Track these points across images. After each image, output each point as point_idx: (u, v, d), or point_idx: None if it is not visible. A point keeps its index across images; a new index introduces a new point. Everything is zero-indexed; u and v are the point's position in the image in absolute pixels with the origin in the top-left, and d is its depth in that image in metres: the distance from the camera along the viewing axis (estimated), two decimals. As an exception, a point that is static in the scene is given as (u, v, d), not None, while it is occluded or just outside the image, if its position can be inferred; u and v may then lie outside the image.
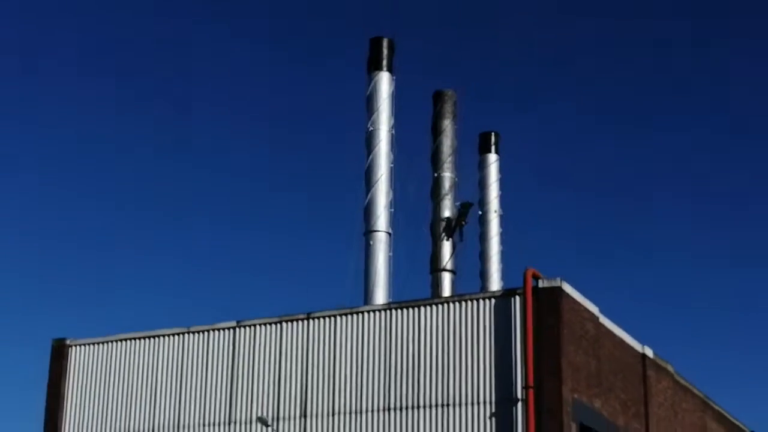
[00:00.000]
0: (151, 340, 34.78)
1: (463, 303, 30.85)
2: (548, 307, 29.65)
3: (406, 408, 30.61)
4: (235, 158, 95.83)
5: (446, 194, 46.94)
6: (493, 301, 30.52)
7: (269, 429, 31.94)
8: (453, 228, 46.45)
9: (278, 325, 32.99)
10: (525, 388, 29.27)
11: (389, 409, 30.79)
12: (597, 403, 30.99)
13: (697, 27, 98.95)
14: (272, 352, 32.82)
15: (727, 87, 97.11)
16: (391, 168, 41.95)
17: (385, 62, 43.03)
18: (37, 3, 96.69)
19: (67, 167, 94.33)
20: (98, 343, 35.54)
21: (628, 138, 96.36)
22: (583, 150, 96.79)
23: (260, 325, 33.26)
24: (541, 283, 29.96)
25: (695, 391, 39.54)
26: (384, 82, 42.79)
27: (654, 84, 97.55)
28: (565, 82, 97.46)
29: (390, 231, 41.23)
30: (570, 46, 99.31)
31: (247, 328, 33.42)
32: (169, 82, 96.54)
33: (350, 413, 31.26)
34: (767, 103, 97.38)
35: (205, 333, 34.04)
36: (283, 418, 32.07)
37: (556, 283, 29.87)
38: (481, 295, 31.05)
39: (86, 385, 35.27)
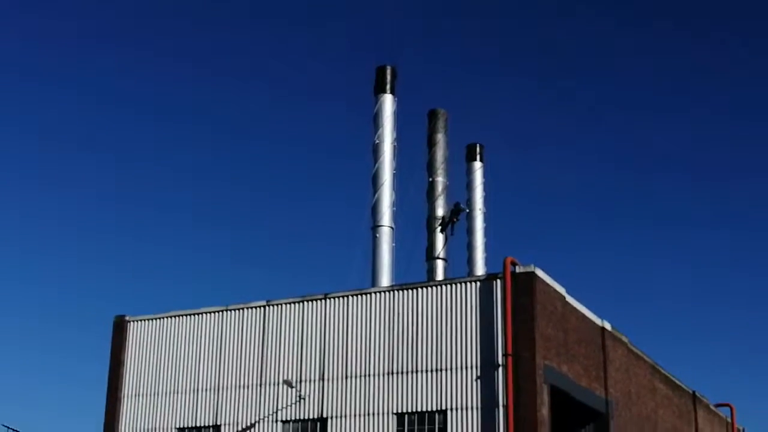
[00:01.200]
0: (195, 317, 34.76)
1: (454, 285, 30.97)
2: (524, 289, 29.74)
3: (407, 372, 30.73)
4: (271, 170, 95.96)
5: (439, 195, 47.17)
6: (478, 284, 30.65)
7: (293, 389, 32.14)
8: (446, 225, 46.64)
9: (301, 303, 33.03)
10: (505, 355, 29.40)
11: (393, 373, 30.92)
12: (564, 368, 31.15)
13: (687, 34, 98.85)
14: (296, 327, 32.84)
15: (713, 82, 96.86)
16: (393, 174, 42.10)
17: (388, 86, 43.14)
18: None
19: (131, 165, 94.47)
20: (152, 319, 35.53)
21: (584, 142, 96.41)
22: (555, 157, 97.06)
23: (286, 304, 33.29)
24: (518, 269, 30.08)
25: (646, 358, 39.56)
26: (388, 102, 42.95)
27: (632, 88, 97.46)
28: (544, 94, 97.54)
29: (393, 226, 41.33)
30: (541, 63, 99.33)
31: (275, 306, 33.45)
32: (183, 87, 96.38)
33: (360, 377, 31.36)
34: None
35: (240, 311, 34.06)
36: (305, 381, 32.18)
37: (531, 268, 30.02)
38: (468, 279, 31.15)
39: (142, 354, 35.27)
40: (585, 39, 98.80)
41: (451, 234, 46.87)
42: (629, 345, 37.48)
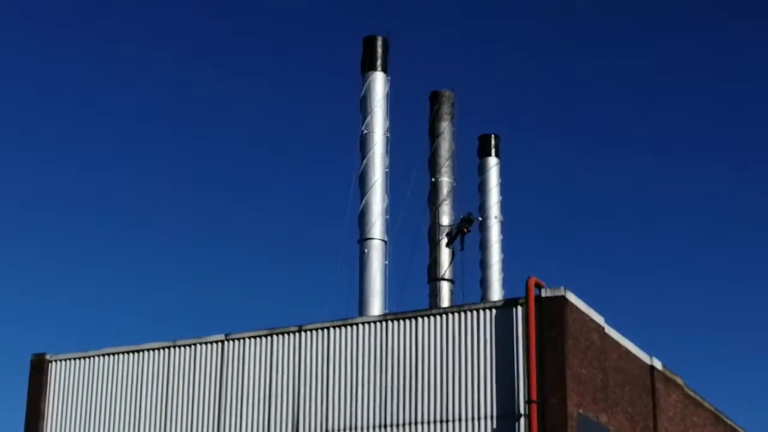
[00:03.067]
0: (135, 354, 34.75)
1: (463, 314, 30.78)
2: (552, 318, 29.58)
3: (403, 425, 30.51)
4: (220, 161, 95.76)
5: (444, 200, 46.88)
6: (494, 311, 30.45)
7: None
8: (453, 237, 46.48)
9: (268, 338, 32.93)
10: (528, 402, 29.17)
11: (385, 426, 30.69)
12: (603, 418, 30.89)
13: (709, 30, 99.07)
14: (262, 367, 32.75)
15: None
16: (386, 173, 41.87)
17: (379, 62, 42.96)
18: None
19: (49, 172, 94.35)
20: (79, 358, 35.50)
21: (638, 138, 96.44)
22: (590, 153, 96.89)
23: (249, 338, 33.19)
24: (544, 293, 29.89)
25: (706, 404, 39.45)
26: (378, 82, 42.71)
27: (665, 77, 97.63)
28: (570, 81, 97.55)
29: (385, 239, 41.15)
30: (575, 43, 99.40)
31: (236, 341, 33.38)
32: (162, 88, 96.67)
33: (345, 431, 31.13)
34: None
35: (192, 347, 33.99)
36: (274, 436, 32.02)
37: (560, 292, 29.80)
38: (482, 305, 31.00)
39: (67, 402, 35.24)
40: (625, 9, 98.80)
41: (460, 249, 46.64)
42: (685, 388, 37.28)
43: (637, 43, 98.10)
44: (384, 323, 31.65)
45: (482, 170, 52.28)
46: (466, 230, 46.59)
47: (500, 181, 52.29)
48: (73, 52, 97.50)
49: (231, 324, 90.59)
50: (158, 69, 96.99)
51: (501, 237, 51.73)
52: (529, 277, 29.89)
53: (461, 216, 46.87)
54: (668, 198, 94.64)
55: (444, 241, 46.61)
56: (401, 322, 31.39)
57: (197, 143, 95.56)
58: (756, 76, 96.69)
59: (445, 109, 48.01)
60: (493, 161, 52.32)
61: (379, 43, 43.31)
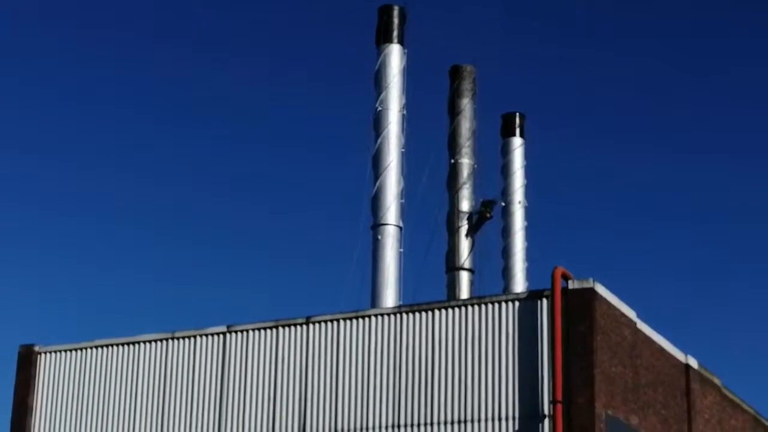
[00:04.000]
0: (131, 346, 34.81)
1: (483, 306, 30.81)
2: (579, 312, 29.58)
3: (418, 425, 30.58)
4: (225, 144, 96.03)
5: (464, 183, 47.02)
6: (517, 303, 30.51)
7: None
8: (474, 223, 46.59)
9: (274, 330, 32.97)
10: (552, 402, 29.21)
11: (399, 427, 30.77)
12: (634, 420, 30.92)
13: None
14: (267, 361, 32.79)
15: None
16: (402, 153, 42.01)
17: (395, 33, 43.07)
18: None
19: (45, 166, 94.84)
20: (71, 350, 35.57)
21: (680, 122, 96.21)
22: (623, 135, 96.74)
23: (253, 330, 33.24)
24: (571, 284, 29.92)
25: (745, 407, 39.46)
26: (394, 55, 42.82)
27: (699, 59, 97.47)
28: (599, 58, 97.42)
29: (401, 224, 41.28)
30: (606, 20, 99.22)
31: (239, 333, 33.41)
32: (166, 74, 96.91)
33: (355, 431, 31.25)
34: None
35: (192, 339, 34.04)
36: (279, 436, 32.21)
37: (588, 284, 29.81)
38: (504, 297, 31.01)
39: (57, 397, 35.33)
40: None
41: (479, 235, 46.73)
42: (722, 389, 37.38)
43: (673, 22, 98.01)
44: (398, 316, 31.69)
45: (505, 151, 52.39)
46: (488, 216, 46.75)
47: (525, 163, 52.41)
48: (73, 47, 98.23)
49: (234, 315, 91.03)
50: (162, 49, 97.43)
51: (525, 224, 51.86)
52: (555, 267, 29.90)
53: (482, 200, 46.98)
54: (707, 186, 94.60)
55: (464, 227, 46.73)
56: (417, 314, 31.43)
57: (200, 130, 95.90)
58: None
59: (466, 85, 48.12)
60: (517, 142, 52.44)
61: (396, 13, 43.40)
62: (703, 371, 35.79)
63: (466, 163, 47.25)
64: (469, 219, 46.62)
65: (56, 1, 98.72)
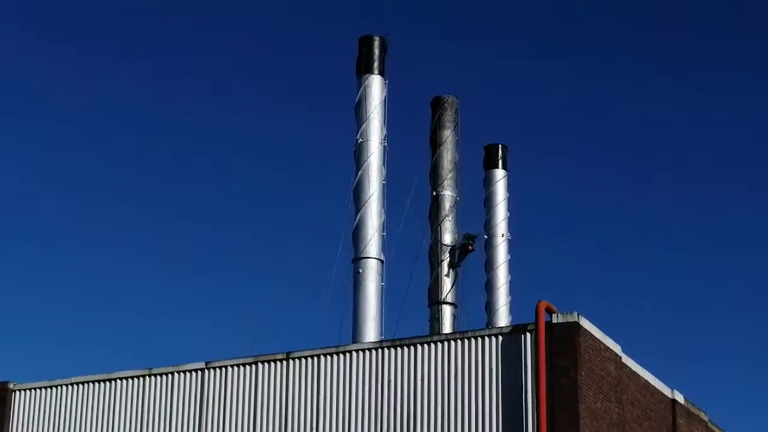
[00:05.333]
0: (107, 383, 34.64)
1: (466, 341, 30.68)
2: (563, 346, 29.47)
3: (400, 462, 30.47)
4: (199, 172, 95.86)
5: (446, 216, 47.00)
6: (500, 338, 30.38)
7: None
8: (456, 256, 46.58)
9: (253, 366, 32.84)
10: (537, 438, 29.09)
11: (381, 464, 30.67)
12: (620, 456, 30.78)
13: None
14: (246, 398, 32.66)
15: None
16: (383, 185, 41.98)
17: (376, 64, 43.12)
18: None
19: (19, 193, 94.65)
20: (46, 387, 35.41)
21: (664, 148, 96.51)
22: (607, 166, 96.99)
23: (232, 366, 33.10)
24: (555, 318, 29.80)
25: (733, 441, 39.42)
26: (375, 86, 42.85)
27: (685, 80, 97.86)
28: (584, 89, 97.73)
29: (382, 258, 41.24)
30: (590, 45, 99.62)
31: (217, 369, 33.28)
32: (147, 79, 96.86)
33: (336, 468, 31.11)
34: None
35: (169, 375, 33.91)
36: (259, 474, 31.96)
37: (573, 317, 29.71)
38: (487, 331, 30.90)
39: (32, 435, 35.24)
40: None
41: (463, 270, 46.70)
42: (710, 424, 37.27)
43: (649, 45, 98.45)
44: (379, 351, 31.55)
45: (488, 183, 52.44)
46: (470, 248, 46.76)
47: (508, 195, 52.45)
48: (70, 45, 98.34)
49: (211, 351, 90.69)
50: (139, 76, 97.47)
51: (508, 257, 51.85)
52: (538, 301, 29.82)
53: (464, 233, 46.99)
54: (693, 218, 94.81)
55: (446, 260, 46.68)
56: (398, 349, 31.29)
57: (177, 155, 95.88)
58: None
59: (448, 117, 48.16)
60: (500, 174, 52.47)
61: (377, 43, 43.46)
62: (689, 406, 35.69)
63: (448, 195, 47.26)
64: (452, 252, 46.60)
65: None
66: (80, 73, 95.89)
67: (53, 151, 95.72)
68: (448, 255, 46.85)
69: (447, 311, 45.97)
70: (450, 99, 48.42)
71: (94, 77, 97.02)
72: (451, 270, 46.68)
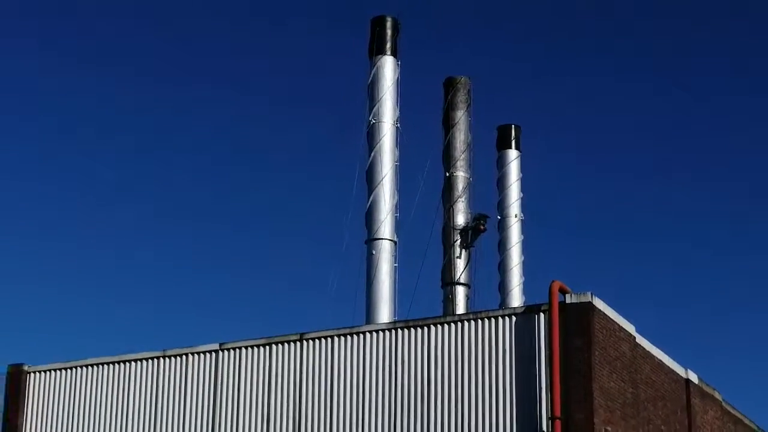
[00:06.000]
0: (122, 365, 34.72)
1: (480, 321, 30.65)
2: (577, 326, 29.44)
3: (414, 442, 30.52)
4: (216, 153, 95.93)
5: (459, 197, 47.01)
6: (513, 318, 30.36)
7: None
8: (469, 237, 46.57)
9: (267, 347, 32.86)
10: (551, 419, 29.06)
11: (395, 444, 30.73)
12: (634, 436, 30.82)
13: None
14: (260, 379, 32.70)
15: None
16: (396, 167, 42.00)
17: (389, 45, 43.12)
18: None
19: (31, 177, 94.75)
20: (61, 369, 35.50)
21: (675, 122, 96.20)
22: (619, 147, 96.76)
23: (246, 347, 33.12)
24: (568, 299, 29.77)
25: (747, 421, 39.40)
26: (388, 67, 42.83)
27: (702, 62, 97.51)
28: (597, 69, 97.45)
29: (395, 239, 41.24)
30: (604, 30, 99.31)
31: (232, 351, 33.31)
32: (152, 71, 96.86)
33: (350, 449, 31.18)
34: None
35: (184, 357, 33.96)
36: (273, 455, 32.05)
37: (587, 298, 29.65)
38: (501, 312, 30.84)
39: (47, 416, 35.25)
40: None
41: (476, 250, 46.69)
42: (724, 404, 37.32)
43: (667, 29, 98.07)
44: (393, 332, 31.53)
45: (501, 164, 52.43)
46: (482, 229, 46.72)
47: (521, 176, 52.41)
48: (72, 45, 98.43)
49: (226, 332, 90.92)
50: (142, 60, 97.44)
51: (522, 237, 51.84)
52: (552, 282, 29.73)
53: (475, 214, 46.97)
54: (707, 196, 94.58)
55: (458, 241, 46.68)
56: (412, 330, 31.31)
57: (191, 141, 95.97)
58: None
59: (461, 97, 48.13)
60: (513, 154, 52.44)
61: (389, 24, 43.41)
62: (703, 386, 35.70)
63: (461, 176, 47.27)
64: (464, 233, 46.57)
65: None
66: (80, 73, 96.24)
67: (66, 147, 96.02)
68: (460, 236, 46.81)
69: (460, 292, 46.03)
70: (462, 79, 48.36)
71: (95, 77, 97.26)
72: (463, 251, 46.67)
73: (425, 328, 31.22)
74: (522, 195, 52.04)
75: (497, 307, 46.22)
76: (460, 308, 45.56)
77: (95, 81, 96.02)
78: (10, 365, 36.05)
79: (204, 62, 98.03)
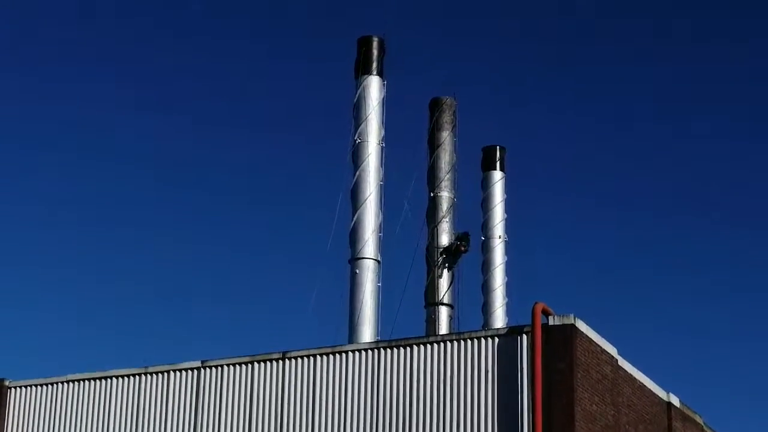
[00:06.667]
0: (103, 381, 34.58)
1: (462, 342, 30.66)
2: (560, 348, 29.48)
3: (396, 462, 30.42)
4: (197, 169, 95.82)
5: (444, 217, 47.04)
6: (496, 340, 30.36)
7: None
8: (453, 257, 46.61)
9: (249, 365, 32.80)
10: (533, 440, 29.09)
11: (376, 464, 30.62)
12: (615, 459, 30.80)
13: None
14: (242, 397, 32.62)
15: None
16: (380, 186, 41.98)
17: (375, 65, 43.13)
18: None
19: (15, 191, 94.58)
20: (42, 385, 35.34)
21: (660, 146, 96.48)
22: (605, 168, 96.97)
23: (228, 365, 33.05)
24: (551, 320, 29.79)
25: (728, 445, 39.40)
26: (374, 87, 42.85)
27: (684, 80, 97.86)
28: (585, 88, 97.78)
29: (379, 258, 41.21)
30: (588, 51, 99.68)
31: (214, 368, 33.23)
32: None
33: (331, 468, 31.06)
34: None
35: (165, 374, 33.86)
36: (254, 473, 31.93)
37: (569, 320, 29.70)
38: (483, 333, 30.91)
39: (27, 432, 35.13)
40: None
41: (459, 271, 46.73)
42: (705, 427, 37.25)
43: (651, 47, 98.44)
44: (376, 351, 31.52)
45: (486, 185, 52.51)
46: (462, 249, 46.74)
47: (505, 197, 52.52)
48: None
49: (208, 350, 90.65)
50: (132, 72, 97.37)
51: (505, 258, 51.91)
52: (535, 303, 29.78)
53: (456, 233, 47.01)
54: (689, 219, 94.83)
55: (442, 262, 46.72)
56: (394, 350, 31.27)
57: (173, 161, 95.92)
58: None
59: (446, 118, 48.19)
60: (497, 175, 52.54)
61: (375, 44, 43.45)
62: (685, 409, 35.66)
63: (445, 196, 47.29)
64: (447, 253, 46.60)
65: None
66: (80, 72, 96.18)
67: (45, 155, 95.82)
68: (443, 256, 46.87)
69: (443, 312, 45.99)
70: (448, 100, 48.45)
71: (94, 78, 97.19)
72: (446, 271, 46.71)
73: (408, 348, 31.18)
74: (506, 216, 52.14)
75: (480, 328, 46.22)
76: (443, 329, 45.54)
77: (96, 80, 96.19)
78: (-10, 380, 35.83)
79: (180, 80, 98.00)
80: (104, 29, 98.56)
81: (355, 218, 41.38)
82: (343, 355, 31.88)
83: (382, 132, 42.54)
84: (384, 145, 42.54)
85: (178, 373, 33.72)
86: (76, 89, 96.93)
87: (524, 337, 29.96)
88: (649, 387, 33.67)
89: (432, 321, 45.89)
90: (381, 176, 42.09)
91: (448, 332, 43.44)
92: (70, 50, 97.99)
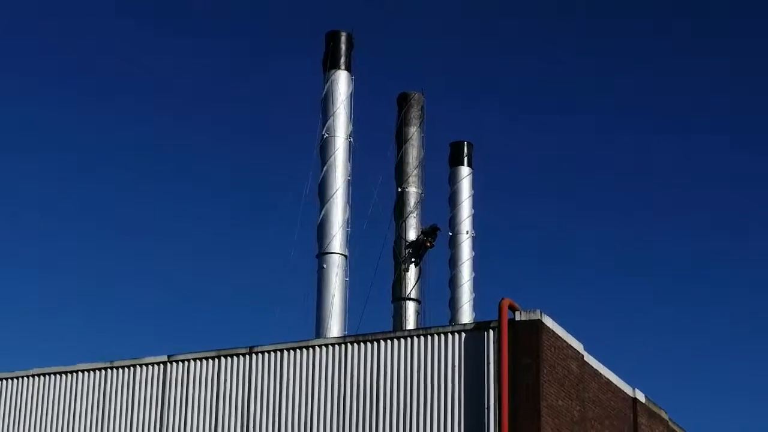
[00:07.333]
0: (68, 376, 34.49)
1: (429, 337, 30.73)
2: (526, 344, 29.57)
3: (362, 457, 30.44)
4: (163, 164, 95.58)
5: (411, 212, 47.07)
6: (463, 335, 30.44)
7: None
8: (420, 252, 46.64)
9: (215, 360, 32.78)
10: (499, 436, 29.15)
11: (342, 459, 30.64)
12: (581, 454, 30.92)
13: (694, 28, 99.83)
14: (208, 392, 32.59)
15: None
16: (348, 181, 41.96)
17: (343, 59, 43.09)
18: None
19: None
20: (5, 379, 35.25)
21: (626, 144, 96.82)
22: (572, 162, 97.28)
23: (194, 360, 33.03)
24: (518, 316, 29.90)
25: (693, 440, 39.59)
26: (342, 82, 42.82)
27: (652, 76, 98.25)
28: (552, 83, 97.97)
29: (346, 253, 41.20)
30: (558, 46, 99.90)
31: (180, 363, 33.20)
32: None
33: (297, 463, 31.08)
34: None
35: (131, 369, 33.79)
36: (220, 468, 31.90)
37: (536, 315, 29.81)
38: (450, 328, 30.93)
39: (-9, 427, 34.95)
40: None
41: (427, 266, 46.79)
42: (670, 423, 37.44)
43: (616, 40, 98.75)
44: (343, 346, 31.56)
45: (453, 180, 52.49)
46: (428, 245, 46.77)
47: (472, 192, 52.49)
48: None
49: (174, 344, 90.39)
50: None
51: (472, 254, 51.92)
52: (502, 299, 29.88)
53: (422, 228, 47.03)
54: (652, 214, 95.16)
55: (408, 256, 46.76)
56: (362, 345, 31.33)
57: (145, 152, 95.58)
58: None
59: (414, 113, 48.21)
60: (465, 171, 52.53)
61: (343, 38, 43.42)
62: (650, 405, 35.80)
63: (413, 191, 47.31)
64: (414, 246, 46.63)
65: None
66: (80, 72, 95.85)
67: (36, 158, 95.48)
68: (410, 251, 46.91)
69: (410, 307, 46.01)
70: (416, 95, 48.45)
71: (96, 77, 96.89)
72: (414, 267, 46.76)
73: (375, 343, 31.25)
74: (473, 211, 52.11)
75: (447, 324, 46.30)
76: (410, 324, 45.58)
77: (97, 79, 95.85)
78: (-49, 374, 35.64)
79: (149, 79, 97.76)
80: (103, 29, 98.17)
81: (322, 213, 41.35)
82: (311, 349, 31.90)
83: (350, 127, 42.51)
84: (352, 140, 42.51)
85: (144, 368, 33.65)
86: (76, 89, 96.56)
87: (491, 332, 30.02)
88: (615, 383, 33.78)
89: (399, 316, 45.90)
90: (349, 171, 42.06)
91: (415, 327, 43.50)
92: (70, 50, 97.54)
